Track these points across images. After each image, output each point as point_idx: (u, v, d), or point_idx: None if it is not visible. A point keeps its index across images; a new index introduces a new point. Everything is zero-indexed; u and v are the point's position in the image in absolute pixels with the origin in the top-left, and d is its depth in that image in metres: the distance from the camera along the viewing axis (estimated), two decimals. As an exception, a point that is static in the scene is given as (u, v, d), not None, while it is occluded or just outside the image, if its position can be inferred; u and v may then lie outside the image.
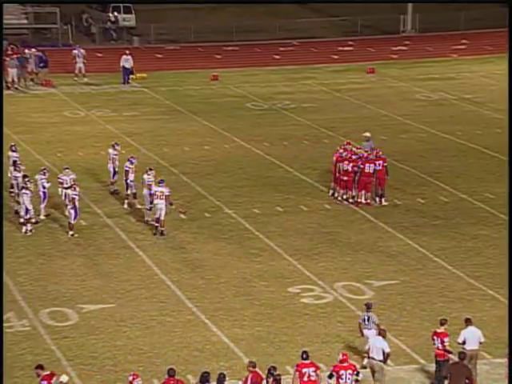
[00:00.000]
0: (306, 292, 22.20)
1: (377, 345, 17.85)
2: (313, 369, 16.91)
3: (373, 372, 17.92)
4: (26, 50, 42.08)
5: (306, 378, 16.82)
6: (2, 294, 19.90)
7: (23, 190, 25.41)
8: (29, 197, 25.26)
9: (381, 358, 17.78)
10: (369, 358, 17.95)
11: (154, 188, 25.60)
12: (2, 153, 25.47)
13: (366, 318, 18.87)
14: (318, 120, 36.68)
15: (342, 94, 41.21)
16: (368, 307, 19.00)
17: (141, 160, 31.23)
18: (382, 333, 18.02)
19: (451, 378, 17.17)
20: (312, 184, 29.39)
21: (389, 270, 23.41)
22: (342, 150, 27.80)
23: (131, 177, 27.19)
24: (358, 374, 17.22)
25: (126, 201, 27.38)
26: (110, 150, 28.49)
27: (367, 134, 30.25)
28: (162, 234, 25.39)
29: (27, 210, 25.31)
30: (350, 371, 17.03)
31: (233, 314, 21.13)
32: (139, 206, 27.01)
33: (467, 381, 17.07)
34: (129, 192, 27.30)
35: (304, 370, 16.85)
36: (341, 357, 17.24)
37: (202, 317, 21.03)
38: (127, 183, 27.25)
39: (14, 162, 27.66)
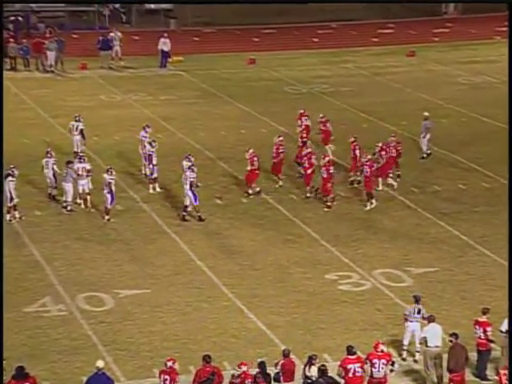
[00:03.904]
0: (344, 279, 21.91)
1: (438, 332, 17.64)
2: (358, 365, 16.37)
3: (432, 359, 17.50)
4: (112, 34, 41.90)
5: (351, 375, 16.32)
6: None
7: (9, 178, 24.44)
8: (14, 184, 24.57)
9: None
10: (427, 346, 17.52)
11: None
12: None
13: (417, 310, 18.48)
14: (357, 104, 36.23)
15: (382, 77, 40.69)
16: (417, 300, 18.57)
17: (177, 145, 31.11)
18: (433, 319, 17.83)
19: (451, 359, 17.11)
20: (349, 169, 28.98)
21: (428, 257, 23.04)
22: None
23: (154, 160, 26.93)
24: (393, 364, 16.87)
25: (150, 185, 27.07)
26: (142, 133, 28.32)
27: (426, 114, 29.89)
28: (199, 219, 25.13)
29: (11, 198, 24.56)
30: (383, 360, 16.65)
31: (269, 301, 20.91)
32: (152, 191, 26.81)
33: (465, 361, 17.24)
34: (155, 176, 26.99)
35: (349, 367, 16.35)
36: (374, 344, 16.89)
37: (238, 303, 20.83)
38: (152, 168, 26.94)
39: (81, 130, 29.08)
